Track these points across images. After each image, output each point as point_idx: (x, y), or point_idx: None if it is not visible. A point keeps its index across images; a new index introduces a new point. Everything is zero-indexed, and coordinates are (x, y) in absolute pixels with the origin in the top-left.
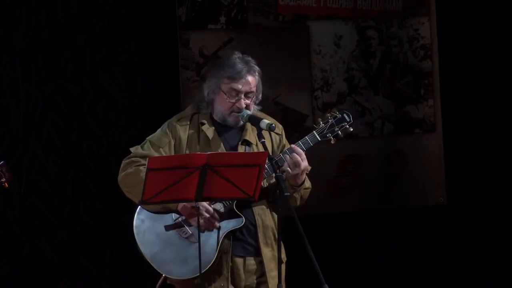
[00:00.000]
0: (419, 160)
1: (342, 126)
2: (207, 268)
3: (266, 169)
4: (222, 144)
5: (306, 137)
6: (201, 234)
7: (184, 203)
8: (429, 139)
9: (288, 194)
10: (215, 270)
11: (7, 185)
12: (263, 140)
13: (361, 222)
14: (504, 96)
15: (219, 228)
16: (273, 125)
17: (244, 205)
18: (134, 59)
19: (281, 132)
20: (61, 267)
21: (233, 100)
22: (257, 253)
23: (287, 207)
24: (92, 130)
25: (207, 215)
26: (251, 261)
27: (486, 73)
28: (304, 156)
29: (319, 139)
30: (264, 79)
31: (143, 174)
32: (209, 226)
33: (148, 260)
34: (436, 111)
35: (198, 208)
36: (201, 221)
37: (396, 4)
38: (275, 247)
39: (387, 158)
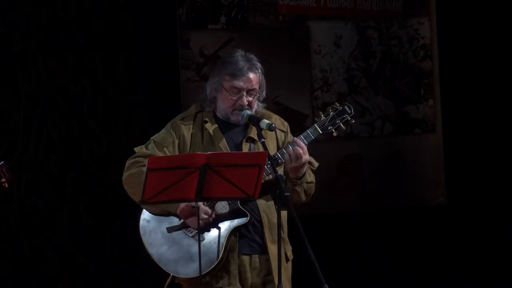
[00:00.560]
0: (419, 160)
1: (344, 118)
2: (214, 265)
3: (265, 169)
4: (226, 142)
5: (308, 130)
6: (207, 232)
7: (182, 207)
8: (429, 139)
9: (288, 194)
10: (223, 268)
11: (7, 185)
12: (263, 140)
13: (361, 222)
14: (504, 96)
15: (218, 227)
16: (273, 125)
17: (249, 202)
18: (134, 59)
19: (287, 129)
20: (61, 267)
21: (235, 98)
22: (263, 251)
23: (287, 207)
24: (92, 130)
25: (206, 217)
26: (257, 259)
27: (486, 73)
28: (305, 149)
29: (321, 131)
30: (264, 79)
31: None
32: (208, 222)
33: (155, 260)
34: (436, 111)
35: (198, 208)
36: (200, 222)
37: (396, 4)
38: (282, 244)
39: (387, 158)
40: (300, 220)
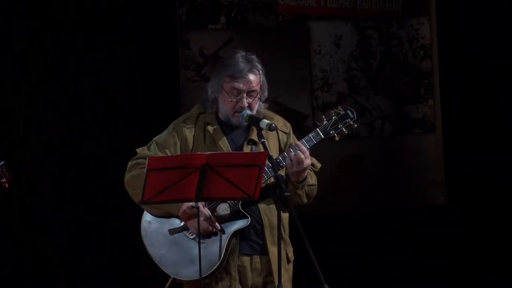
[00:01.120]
0: (419, 160)
1: (346, 122)
2: (214, 268)
3: (266, 170)
4: (227, 143)
5: (310, 134)
6: (208, 235)
7: (184, 209)
8: (429, 139)
9: (288, 194)
10: (223, 269)
11: (7, 186)
12: (263, 140)
13: (361, 222)
14: (504, 96)
15: (221, 231)
16: (273, 125)
17: (250, 205)
18: (134, 59)
19: (289, 130)
20: (61, 267)
21: (235, 100)
22: (264, 252)
23: (287, 207)
24: (92, 130)
25: (204, 221)
26: (258, 260)
27: (485, 73)
28: (307, 154)
29: (323, 136)
30: (265, 79)
31: None
32: (209, 229)
33: (155, 261)
34: (436, 111)
35: (198, 208)
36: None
37: (396, 4)
38: (283, 245)
39: (387, 158)
40: (300, 220)
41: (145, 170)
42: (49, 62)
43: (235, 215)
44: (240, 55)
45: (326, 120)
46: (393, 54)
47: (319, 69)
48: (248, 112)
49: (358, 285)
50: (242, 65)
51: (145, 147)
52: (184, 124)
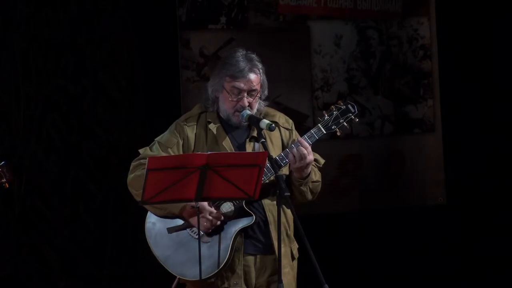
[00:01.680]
0: (419, 160)
1: (347, 117)
2: (220, 267)
3: (265, 171)
4: (229, 142)
5: (312, 130)
6: (212, 234)
7: (186, 208)
8: (428, 139)
9: (288, 194)
10: (229, 268)
11: (7, 186)
12: (263, 140)
13: (361, 222)
14: (504, 96)
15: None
16: (273, 125)
17: (254, 202)
18: (134, 59)
19: (291, 126)
20: (61, 267)
21: (236, 99)
22: (268, 251)
23: (288, 206)
24: (92, 130)
25: (210, 217)
26: (262, 259)
27: (485, 73)
28: (310, 149)
29: (324, 131)
30: (266, 78)
31: None
32: (217, 223)
33: (161, 262)
34: (435, 111)
35: (198, 208)
36: (206, 223)
37: (396, 4)
38: (287, 241)
39: (387, 158)
40: (300, 219)
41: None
42: (49, 62)
43: (239, 213)
44: (240, 54)
45: (327, 116)
46: (393, 54)
47: (319, 69)
48: (248, 112)
49: (358, 285)
50: (242, 64)
51: (147, 148)
52: (185, 123)
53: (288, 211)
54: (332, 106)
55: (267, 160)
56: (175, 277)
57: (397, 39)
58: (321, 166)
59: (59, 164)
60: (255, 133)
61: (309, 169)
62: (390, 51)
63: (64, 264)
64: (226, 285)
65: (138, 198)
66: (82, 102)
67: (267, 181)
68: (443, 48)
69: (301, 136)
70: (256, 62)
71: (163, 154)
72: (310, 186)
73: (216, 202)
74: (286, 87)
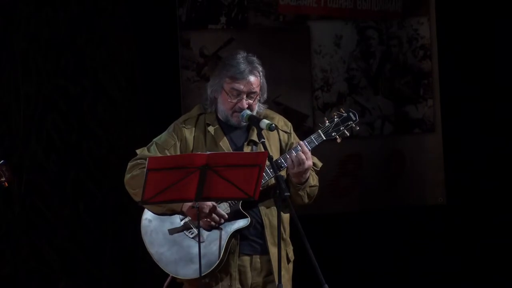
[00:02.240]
0: (419, 160)
1: (348, 125)
2: (213, 267)
3: (266, 170)
4: (228, 144)
5: (312, 136)
6: (207, 234)
7: (188, 205)
8: (428, 139)
9: (288, 194)
10: (223, 269)
11: (7, 184)
12: (263, 140)
13: (361, 222)
14: (504, 96)
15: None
16: (273, 125)
17: (250, 205)
18: (134, 59)
19: (290, 130)
20: (61, 267)
21: (235, 100)
22: (264, 251)
23: (288, 207)
24: (92, 130)
25: (207, 211)
26: (258, 259)
27: (485, 73)
28: (309, 155)
29: (324, 138)
30: (265, 81)
31: None
32: (216, 223)
33: (155, 260)
34: (435, 111)
35: (198, 208)
36: (207, 219)
37: (396, 4)
38: (283, 245)
39: (387, 158)
40: (300, 220)
41: (145, 170)
42: (49, 62)
43: (235, 215)
44: (241, 56)
45: (328, 122)
46: (393, 54)
47: (319, 69)
48: (248, 112)
49: (358, 285)
50: (243, 66)
51: (145, 148)
52: (184, 125)
53: (285, 215)
54: (334, 113)
55: (267, 161)
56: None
57: (397, 39)
58: (318, 169)
59: (59, 164)
60: (253, 136)
61: (308, 174)
62: (390, 51)
63: (64, 264)
64: (220, 286)
65: (136, 197)
66: (82, 102)
67: (264, 186)
68: (443, 48)
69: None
70: (257, 65)
71: (160, 155)
72: (308, 191)
73: (215, 203)
74: (286, 87)
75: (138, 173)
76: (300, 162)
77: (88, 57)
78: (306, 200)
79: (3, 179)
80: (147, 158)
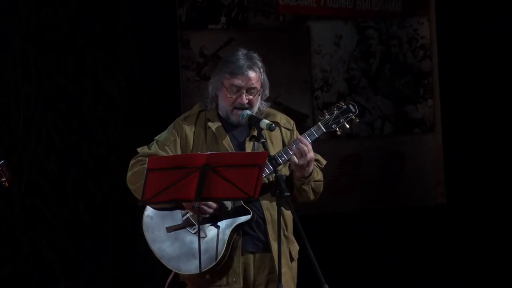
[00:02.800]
0: (419, 160)
1: (348, 117)
2: (215, 262)
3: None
4: (229, 140)
5: (311, 128)
6: (209, 229)
7: None
8: (428, 139)
9: (288, 194)
10: (227, 265)
11: (7, 184)
12: (263, 140)
13: (361, 222)
14: (504, 96)
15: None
16: (273, 125)
17: (253, 200)
18: (134, 59)
19: (292, 127)
20: (61, 267)
21: (234, 96)
22: (266, 249)
23: (288, 207)
24: (92, 130)
25: (211, 211)
26: (261, 257)
27: (485, 73)
28: (310, 147)
29: (324, 130)
30: (266, 78)
31: None
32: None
33: (157, 256)
34: (435, 111)
35: (198, 208)
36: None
37: (395, 4)
38: (285, 241)
39: (387, 158)
40: (300, 219)
41: (145, 166)
42: (49, 62)
43: (237, 210)
44: (241, 52)
45: (328, 115)
46: (392, 54)
47: (319, 69)
48: (248, 112)
49: (358, 285)
50: (242, 61)
51: (146, 147)
52: (184, 122)
53: (287, 212)
54: (333, 106)
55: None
56: (171, 272)
57: (397, 39)
58: (323, 167)
59: (59, 164)
60: (255, 132)
61: (311, 167)
62: (390, 51)
63: (64, 264)
64: (224, 282)
65: (137, 193)
66: (82, 102)
67: (267, 181)
68: (443, 48)
69: (301, 134)
70: (256, 61)
71: (161, 152)
72: (312, 186)
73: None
74: (286, 87)
75: (138, 169)
76: (302, 154)
77: (88, 57)
78: (311, 195)
79: (3, 179)
80: (148, 158)
